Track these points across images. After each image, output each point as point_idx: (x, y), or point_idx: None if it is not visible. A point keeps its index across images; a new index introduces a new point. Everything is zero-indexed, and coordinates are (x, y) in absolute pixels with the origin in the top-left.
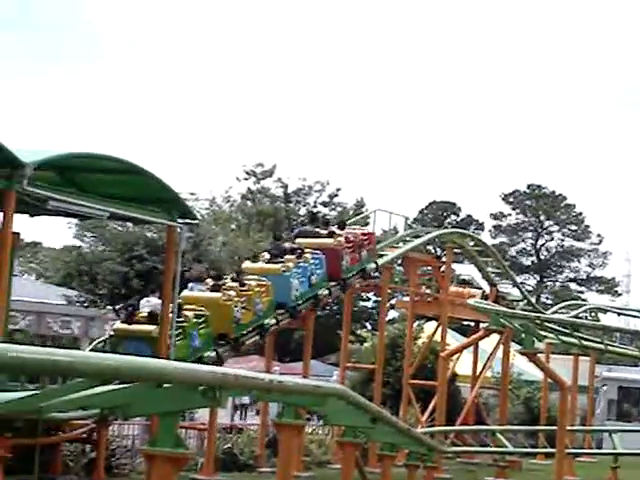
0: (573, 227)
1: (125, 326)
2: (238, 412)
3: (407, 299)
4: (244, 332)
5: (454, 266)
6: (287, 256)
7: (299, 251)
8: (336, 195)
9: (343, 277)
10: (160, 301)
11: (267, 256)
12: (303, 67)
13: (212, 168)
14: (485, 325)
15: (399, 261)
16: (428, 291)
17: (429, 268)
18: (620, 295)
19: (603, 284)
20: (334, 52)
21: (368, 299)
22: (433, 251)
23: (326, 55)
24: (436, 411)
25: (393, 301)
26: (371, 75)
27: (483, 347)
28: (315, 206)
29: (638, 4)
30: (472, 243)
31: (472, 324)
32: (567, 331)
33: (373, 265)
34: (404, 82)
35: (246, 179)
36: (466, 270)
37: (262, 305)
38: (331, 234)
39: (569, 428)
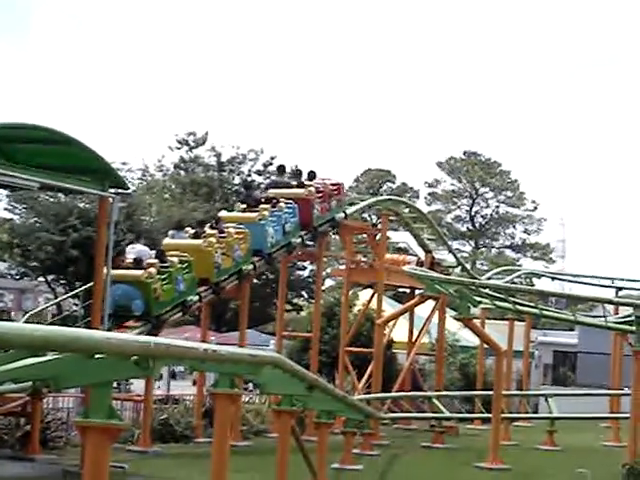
0: (508, 193)
1: (114, 271)
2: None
3: (343, 267)
4: (224, 277)
5: (389, 233)
6: (262, 205)
7: (274, 201)
8: (271, 164)
9: (314, 225)
10: (146, 247)
11: (242, 206)
12: (234, 32)
13: (144, 137)
14: (420, 292)
15: (334, 229)
16: (364, 259)
17: (364, 236)
18: (555, 262)
19: (538, 250)
20: (267, 18)
21: (304, 268)
22: (368, 219)
23: (258, 21)
24: (372, 378)
25: (329, 269)
26: (305, 41)
27: (419, 314)
28: (249, 175)
29: None
30: (407, 210)
31: (408, 291)
32: (502, 296)
33: (342, 214)
34: (339, 48)
35: (179, 148)
36: (402, 237)
37: (240, 252)
38: (302, 185)
39: (505, 393)
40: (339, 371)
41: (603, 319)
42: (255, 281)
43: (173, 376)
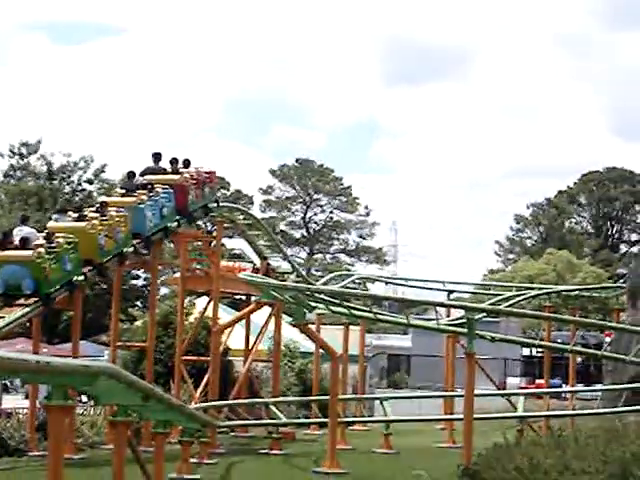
0: (342, 199)
1: (1, 252)
2: None
3: (178, 275)
4: (107, 258)
5: (225, 240)
6: (139, 191)
7: (149, 186)
8: (102, 172)
9: (190, 211)
10: (33, 230)
11: (121, 191)
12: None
13: None
14: (257, 298)
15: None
16: (199, 266)
17: (200, 243)
18: (388, 265)
19: (371, 255)
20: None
21: (138, 277)
22: (203, 226)
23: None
24: (209, 386)
25: (163, 278)
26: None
27: (256, 320)
28: (80, 184)
29: None
30: (242, 217)
31: (244, 298)
32: (337, 301)
33: (214, 204)
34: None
35: (10, 157)
36: (237, 244)
37: (122, 234)
38: (177, 171)
39: (341, 397)
40: (176, 380)
41: (435, 322)
42: (88, 291)
43: (5, 389)
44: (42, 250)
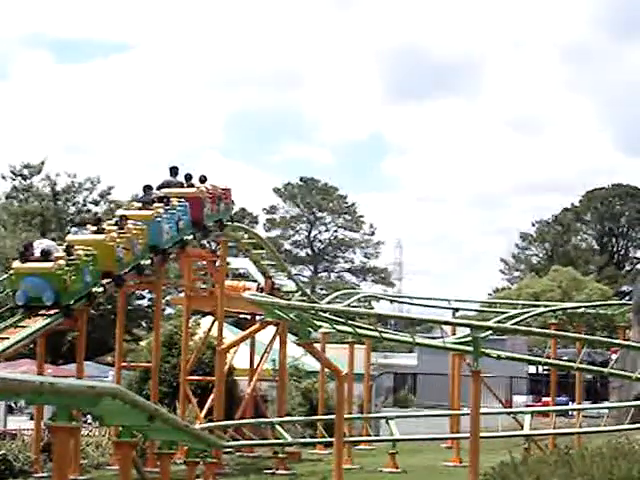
0: (346, 217)
1: (23, 265)
2: None
3: (182, 295)
4: (125, 270)
5: (229, 259)
6: (155, 204)
7: (166, 199)
8: (108, 193)
9: (205, 224)
10: (53, 242)
11: (138, 205)
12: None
13: None
14: (261, 318)
15: (173, 256)
16: (204, 286)
17: (204, 263)
18: (394, 286)
19: (377, 274)
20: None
21: (143, 297)
22: (208, 245)
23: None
24: (214, 406)
25: (168, 297)
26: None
27: (260, 340)
28: (85, 204)
29: None
30: (246, 236)
31: (249, 317)
32: (342, 320)
33: (229, 221)
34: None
35: (13, 179)
36: (241, 264)
37: (140, 246)
38: (192, 185)
39: (346, 416)
40: (180, 400)
41: (441, 340)
42: (92, 311)
43: (10, 411)
44: (62, 262)
